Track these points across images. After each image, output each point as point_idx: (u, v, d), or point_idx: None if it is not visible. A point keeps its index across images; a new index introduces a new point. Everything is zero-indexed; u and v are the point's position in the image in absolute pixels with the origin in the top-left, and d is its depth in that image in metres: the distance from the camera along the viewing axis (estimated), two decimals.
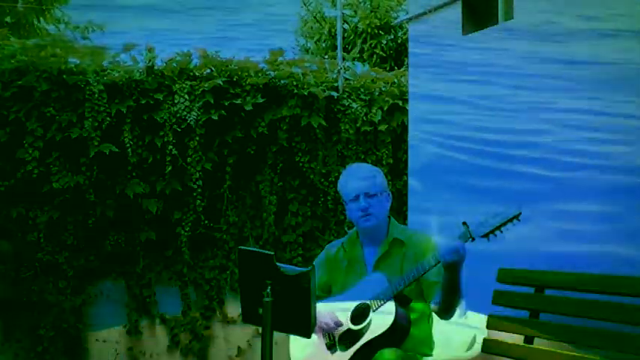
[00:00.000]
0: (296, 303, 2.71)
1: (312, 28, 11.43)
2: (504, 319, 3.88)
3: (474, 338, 4.09)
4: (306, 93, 6.30)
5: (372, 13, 10.75)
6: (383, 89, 6.65)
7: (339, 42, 7.14)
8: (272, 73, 6.41)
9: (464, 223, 3.09)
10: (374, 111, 6.49)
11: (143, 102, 6.08)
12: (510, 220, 3.07)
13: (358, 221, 3.39)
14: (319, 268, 3.47)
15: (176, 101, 6.12)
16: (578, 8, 4.58)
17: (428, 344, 3.41)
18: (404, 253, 3.37)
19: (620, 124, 4.05)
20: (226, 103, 6.17)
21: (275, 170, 6.35)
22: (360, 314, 3.30)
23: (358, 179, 3.40)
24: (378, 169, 3.53)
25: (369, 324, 3.26)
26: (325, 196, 6.41)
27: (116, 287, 6.25)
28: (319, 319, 3.28)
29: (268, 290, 2.68)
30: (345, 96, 6.50)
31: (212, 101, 6.13)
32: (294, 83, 6.36)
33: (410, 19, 6.02)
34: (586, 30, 4.43)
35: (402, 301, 3.27)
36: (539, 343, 3.69)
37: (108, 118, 5.97)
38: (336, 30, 9.19)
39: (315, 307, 2.74)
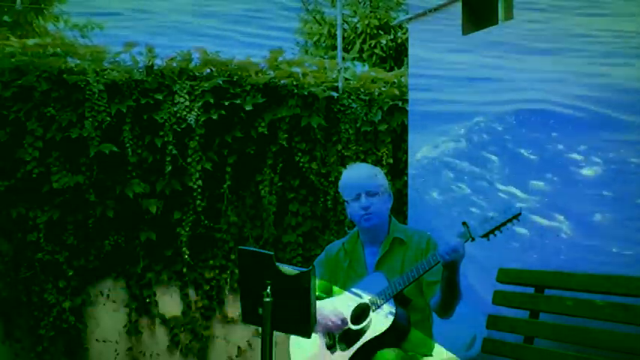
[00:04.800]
0: (296, 303, 2.71)
1: (311, 28, 11.44)
2: (504, 319, 3.88)
3: (474, 338, 4.10)
4: (306, 93, 6.30)
5: (372, 13, 10.76)
6: (383, 89, 6.63)
7: (339, 42, 7.12)
8: (272, 73, 6.41)
9: (464, 223, 3.10)
10: (374, 111, 6.48)
11: (143, 102, 6.08)
12: (510, 220, 3.07)
13: (360, 221, 3.39)
14: (320, 268, 3.48)
15: (176, 101, 6.12)
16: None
17: (428, 344, 3.41)
18: (405, 252, 3.37)
19: None
20: (226, 103, 6.17)
21: (275, 170, 6.35)
22: (360, 314, 3.30)
23: (359, 178, 3.40)
24: (379, 168, 3.54)
25: (369, 324, 3.26)
26: (325, 196, 6.40)
27: (116, 287, 6.25)
28: (324, 318, 3.28)
29: (268, 290, 2.69)
30: (345, 96, 6.49)
31: (212, 101, 6.12)
32: (294, 83, 6.36)
33: (410, 19, 6.02)
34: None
35: (402, 300, 3.27)
36: (539, 343, 3.70)
37: (108, 118, 5.97)
38: (335, 30, 9.18)
39: (315, 307, 2.74)
